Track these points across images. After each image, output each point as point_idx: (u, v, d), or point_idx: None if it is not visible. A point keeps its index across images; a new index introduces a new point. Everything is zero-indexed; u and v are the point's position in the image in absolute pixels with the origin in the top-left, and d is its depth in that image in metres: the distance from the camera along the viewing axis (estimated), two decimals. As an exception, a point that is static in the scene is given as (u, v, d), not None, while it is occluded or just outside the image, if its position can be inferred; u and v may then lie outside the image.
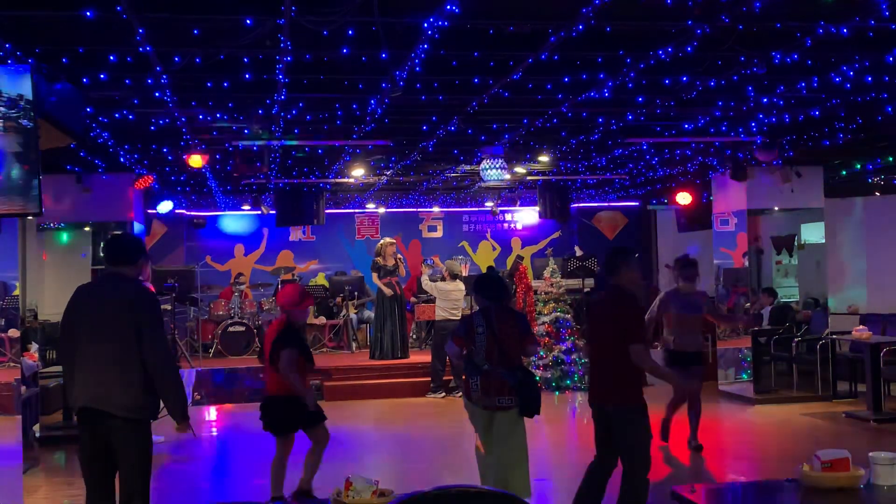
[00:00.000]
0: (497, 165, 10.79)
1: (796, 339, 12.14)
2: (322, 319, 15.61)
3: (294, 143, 9.92)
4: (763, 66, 6.79)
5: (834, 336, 11.61)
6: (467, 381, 6.42)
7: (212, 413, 12.08)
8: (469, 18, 5.63)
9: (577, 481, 5.97)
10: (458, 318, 12.78)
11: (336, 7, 5.31)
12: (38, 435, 9.55)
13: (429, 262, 15.49)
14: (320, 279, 17.61)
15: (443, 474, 8.04)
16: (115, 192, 11.33)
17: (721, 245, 13.00)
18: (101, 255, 5.28)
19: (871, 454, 3.68)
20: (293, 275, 16.94)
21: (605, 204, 18.24)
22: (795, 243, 13.55)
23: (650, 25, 6.07)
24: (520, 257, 17.13)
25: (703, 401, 12.30)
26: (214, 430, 10.74)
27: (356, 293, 15.87)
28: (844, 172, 12.64)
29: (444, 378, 12.58)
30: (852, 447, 3.96)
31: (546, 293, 13.44)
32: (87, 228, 12.00)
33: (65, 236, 12.33)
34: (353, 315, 15.44)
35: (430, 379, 12.61)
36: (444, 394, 12.46)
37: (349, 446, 9.34)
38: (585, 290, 16.04)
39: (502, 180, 11.55)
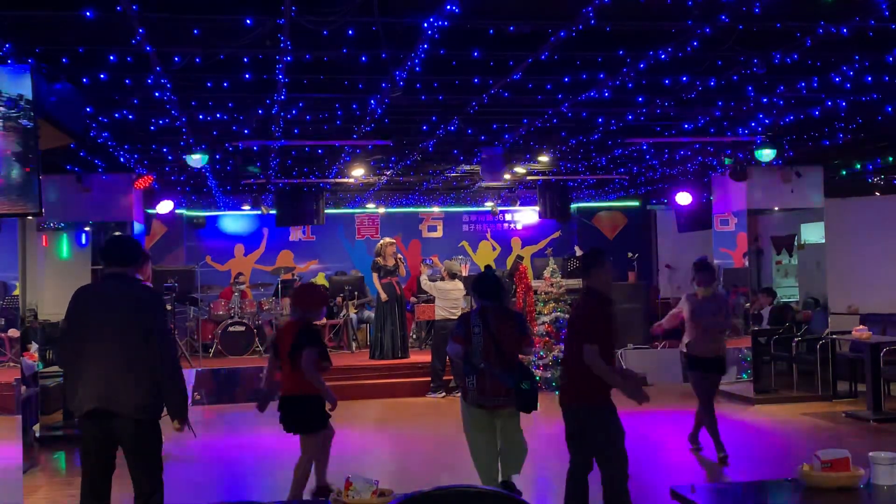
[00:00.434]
0: (497, 165, 10.78)
1: (796, 339, 12.14)
2: (322, 319, 15.60)
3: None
4: (763, 66, 6.80)
5: (834, 336, 11.61)
6: (464, 381, 6.45)
7: (212, 413, 12.07)
8: (469, 18, 5.63)
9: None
10: (457, 317, 12.79)
11: (336, 7, 5.31)
12: (38, 435, 9.55)
13: (427, 262, 15.48)
14: (320, 279, 17.60)
15: (443, 474, 8.04)
16: (115, 192, 11.32)
17: (721, 245, 13.00)
18: (101, 255, 5.19)
19: (871, 454, 3.68)
20: (293, 275, 16.94)
21: (605, 204, 18.24)
22: (795, 243, 13.55)
23: (650, 25, 6.08)
24: (520, 257, 17.12)
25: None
26: (214, 430, 10.74)
27: (356, 293, 15.87)
28: (844, 172, 12.64)
29: (444, 378, 12.58)
30: (852, 447, 3.96)
31: (546, 293, 13.44)
32: (87, 228, 12.01)
33: (65, 236, 12.33)
34: (353, 315, 15.44)
35: (430, 379, 12.61)
36: (444, 394, 12.46)
37: (350, 446, 9.34)
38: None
39: (502, 180, 11.56)
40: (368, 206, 17.61)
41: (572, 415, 5.69)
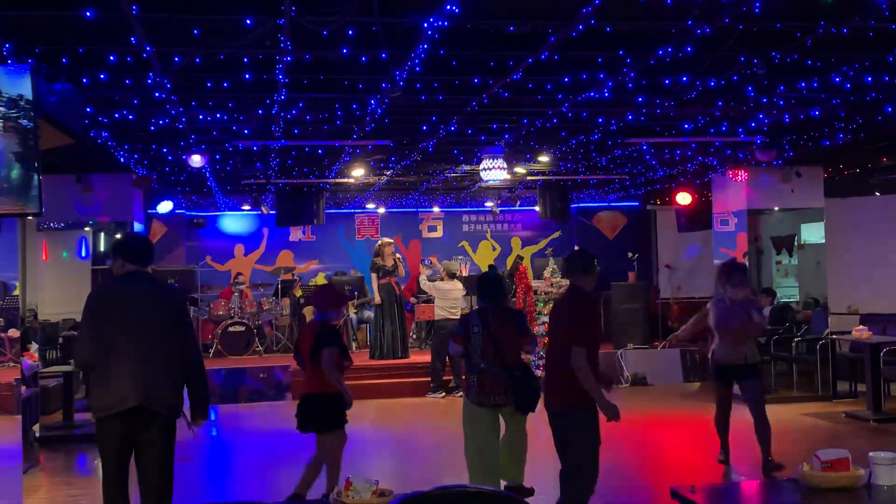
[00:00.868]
0: (497, 165, 10.79)
1: (796, 339, 12.14)
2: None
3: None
4: (763, 66, 6.80)
5: (834, 336, 11.60)
6: (466, 380, 6.50)
7: (211, 413, 12.08)
8: (469, 18, 5.63)
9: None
10: (458, 317, 12.79)
11: (336, 7, 5.31)
12: (38, 435, 9.55)
13: (426, 262, 15.48)
14: (320, 279, 17.60)
15: (443, 474, 8.04)
16: (115, 192, 11.33)
17: (721, 245, 13.00)
18: (120, 253, 5.14)
19: (871, 454, 3.68)
20: (293, 275, 16.94)
21: (605, 204, 18.24)
22: (795, 243, 13.55)
23: (650, 25, 6.08)
24: (520, 257, 17.11)
25: (702, 401, 12.36)
26: (214, 430, 10.74)
27: (356, 293, 15.87)
28: (845, 172, 12.65)
29: (444, 378, 12.58)
30: (852, 447, 3.96)
31: (546, 293, 13.44)
32: (87, 228, 12.01)
33: (65, 237, 12.34)
34: (352, 315, 15.44)
35: (430, 379, 12.61)
36: (444, 394, 12.46)
37: (349, 446, 9.34)
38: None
39: (502, 180, 11.56)
40: (368, 206, 17.61)
41: (556, 416, 5.61)
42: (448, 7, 5.21)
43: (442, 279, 13.05)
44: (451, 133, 9.46)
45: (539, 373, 12.49)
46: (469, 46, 6.33)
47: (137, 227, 11.58)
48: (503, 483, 6.68)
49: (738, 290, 7.81)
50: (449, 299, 12.68)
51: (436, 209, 18.29)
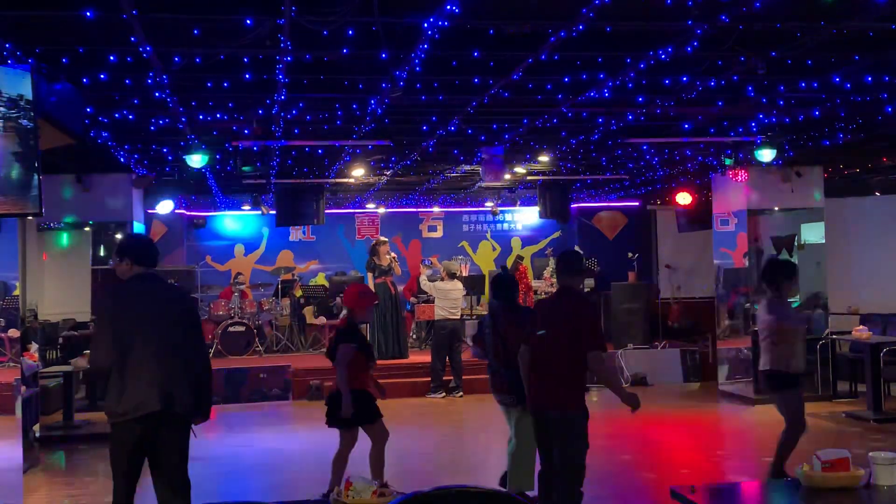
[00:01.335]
0: (497, 165, 10.78)
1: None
2: (322, 319, 15.62)
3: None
4: (763, 66, 6.79)
5: (834, 336, 11.60)
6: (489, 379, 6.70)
7: (211, 413, 12.07)
8: (469, 18, 5.63)
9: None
10: (458, 317, 12.81)
11: (336, 7, 5.31)
12: (38, 435, 9.54)
13: (426, 262, 15.48)
14: (320, 279, 17.60)
15: (443, 474, 8.04)
16: (115, 192, 11.32)
17: (721, 245, 13.00)
18: (128, 255, 5.09)
19: (871, 454, 3.69)
20: (293, 275, 16.94)
21: (605, 204, 18.23)
22: (795, 243, 13.55)
23: (650, 25, 6.08)
24: (520, 257, 17.13)
25: (702, 401, 12.38)
26: (214, 430, 10.74)
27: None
28: (845, 172, 12.64)
29: (445, 378, 12.58)
30: (852, 447, 3.96)
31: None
32: (87, 228, 12.00)
33: (65, 236, 12.32)
34: (353, 315, 15.42)
35: (430, 379, 12.61)
36: (444, 394, 12.46)
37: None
38: (586, 289, 16.03)
39: (502, 180, 11.56)
40: (368, 206, 17.60)
41: (554, 421, 5.52)
42: (448, 7, 5.20)
43: (442, 279, 13.06)
44: (451, 133, 9.46)
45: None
46: (469, 46, 6.33)
47: (137, 226, 11.57)
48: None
49: (795, 287, 7.36)
50: (449, 299, 12.68)
51: (436, 209, 18.29)
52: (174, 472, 4.91)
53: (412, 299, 15.02)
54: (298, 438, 10.38)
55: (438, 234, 18.59)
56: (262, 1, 5.41)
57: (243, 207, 16.94)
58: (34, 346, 9.98)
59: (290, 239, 17.90)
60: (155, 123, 8.77)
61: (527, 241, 18.54)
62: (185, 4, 5.49)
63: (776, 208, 12.64)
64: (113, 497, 4.92)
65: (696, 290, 15.54)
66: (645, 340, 14.34)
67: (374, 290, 13.55)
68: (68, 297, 11.78)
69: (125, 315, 4.83)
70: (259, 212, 15.92)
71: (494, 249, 18.66)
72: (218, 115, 8.60)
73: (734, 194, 12.36)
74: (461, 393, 12.47)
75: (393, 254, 14.11)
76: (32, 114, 5.35)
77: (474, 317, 14.90)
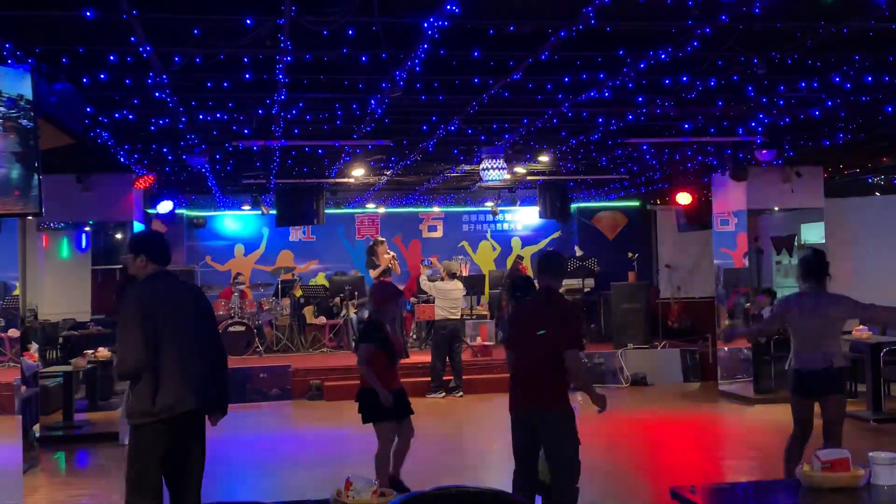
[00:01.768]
0: (497, 165, 10.79)
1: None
2: (322, 319, 15.62)
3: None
4: (763, 66, 6.79)
5: (834, 336, 11.57)
6: None
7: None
8: (469, 18, 5.62)
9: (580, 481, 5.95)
10: (458, 317, 12.81)
11: (336, 7, 5.31)
12: (38, 435, 9.55)
13: (427, 262, 15.48)
14: (320, 279, 17.61)
15: (443, 474, 8.04)
16: (115, 192, 11.32)
17: (721, 245, 13.00)
18: (145, 252, 5.04)
19: (871, 454, 3.69)
20: (293, 275, 16.94)
21: (606, 204, 18.24)
22: (795, 243, 13.55)
23: (650, 25, 6.07)
24: (520, 257, 17.14)
25: (702, 401, 12.38)
26: (214, 429, 10.74)
27: (356, 293, 15.87)
28: (845, 172, 12.64)
29: (445, 378, 12.59)
30: (852, 447, 3.96)
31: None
32: (87, 228, 12.00)
33: (65, 236, 12.33)
34: (352, 315, 15.45)
35: (430, 379, 12.61)
36: (444, 394, 12.46)
37: (349, 446, 9.35)
38: (585, 289, 16.04)
39: (502, 180, 11.55)
40: (368, 206, 17.61)
41: (532, 422, 5.48)
42: (448, 7, 5.20)
43: (442, 279, 13.06)
44: (451, 133, 9.46)
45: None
46: (469, 46, 6.33)
47: (137, 227, 11.58)
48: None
49: (814, 283, 6.61)
50: (449, 299, 12.68)
51: (436, 209, 18.29)
52: (199, 472, 4.89)
53: (412, 299, 15.02)
54: (298, 438, 10.38)
55: (438, 234, 18.59)
56: (262, 1, 5.41)
57: (243, 207, 16.95)
58: (34, 346, 9.99)
59: (290, 239, 17.90)
60: (155, 123, 8.77)
61: (527, 241, 18.54)
62: (185, 4, 5.49)
63: (776, 208, 12.64)
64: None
65: (697, 290, 15.54)
66: (645, 340, 14.34)
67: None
68: (68, 297, 11.79)
69: (153, 314, 4.76)
70: (259, 212, 15.93)
71: (494, 249, 18.66)
72: (218, 115, 8.60)
73: (734, 194, 12.36)
74: (461, 393, 12.48)
75: (392, 253, 14.11)
76: (32, 114, 5.34)
77: (474, 317, 14.91)
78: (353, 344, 15.01)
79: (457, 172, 13.12)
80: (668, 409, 11.39)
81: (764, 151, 10.31)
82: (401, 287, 14.60)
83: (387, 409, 6.84)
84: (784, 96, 8.17)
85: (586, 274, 15.89)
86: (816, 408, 6.51)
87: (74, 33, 5.88)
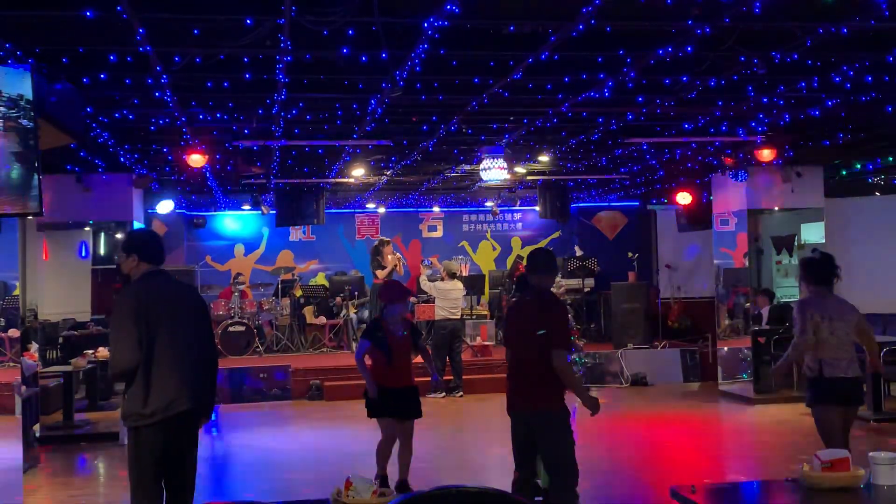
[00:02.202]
0: (497, 165, 10.78)
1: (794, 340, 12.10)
2: (322, 319, 15.62)
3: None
4: (763, 66, 6.79)
5: (834, 336, 11.55)
6: None
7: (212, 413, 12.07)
8: (469, 18, 5.63)
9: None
10: (458, 317, 12.81)
11: (336, 7, 5.31)
12: (38, 435, 9.55)
13: (427, 262, 15.47)
14: (320, 279, 17.61)
15: (443, 474, 8.04)
16: (115, 192, 11.31)
17: (721, 245, 13.00)
18: (137, 252, 5.03)
19: (871, 454, 3.69)
20: (293, 275, 16.94)
21: (606, 204, 18.23)
22: (795, 243, 13.55)
23: (650, 25, 6.07)
24: (520, 257, 17.13)
25: (702, 401, 12.38)
26: (214, 430, 10.74)
27: (356, 293, 15.88)
28: (844, 172, 12.64)
29: (445, 378, 12.58)
30: (852, 447, 3.96)
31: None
32: (87, 228, 11.99)
33: (65, 236, 12.32)
34: (353, 315, 15.45)
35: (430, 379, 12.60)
36: (444, 394, 12.45)
37: (349, 446, 9.35)
38: (585, 289, 16.05)
39: (502, 180, 11.56)
40: (368, 206, 17.61)
41: (528, 423, 5.43)
42: (448, 7, 5.21)
43: (442, 279, 13.06)
44: (451, 133, 9.46)
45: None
46: (469, 46, 6.33)
47: (137, 226, 11.58)
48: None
49: (823, 286, 6.27)
50: (449, 299, 12.68)
51: (436, 209, 18.30)
52: (192, 472, 4.88)
53: (412, 299, 15.02)
54: (298, 438, 10.38)
55: (438, 234, 18.59)
56: (262, 1, 5.41)
57: (243, 207, 16.95)
58: (34, 346, 9.98)
59: (290, 239, 17.91)
60: (155, 123, 8.77)
61: (527, 241, 18.55)
62: (185, 4, 5.49)
63: (776, 208, 12.64)
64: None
65: (697, 290, 15.53)
66: (645, 340, 14.34)
67: (375, 289, 13.57)
68: (68, 297, 11.79)
69: (146, 314, 4.73)
70: (259, 212, 15.93)
71: (494, 249, 18.67)
72: (218, 115, 8.60)
73: (734, 194, 12.36)
74: (461, 393, 12.48)
75: (398, 254, 14.11)
76: (32, 114, 5.34)
77: (474, 317, 14.91)
78: (353, 344, 15.09)
79: (457, 172, 13.12)
80: (668, 409, 11.39)
81: (764, 151, 10.31)
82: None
83: (385, 406, 6.91)
84: (784, 96, 8.17)
85: (586, 274, 15.89)
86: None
87: (74, 33, 5.87)
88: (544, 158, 11.94)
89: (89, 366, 10.43)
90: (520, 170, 12.87)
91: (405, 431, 7.07)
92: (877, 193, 13.65)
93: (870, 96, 8.08)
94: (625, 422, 10.20)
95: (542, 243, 18.36)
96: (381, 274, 13.72)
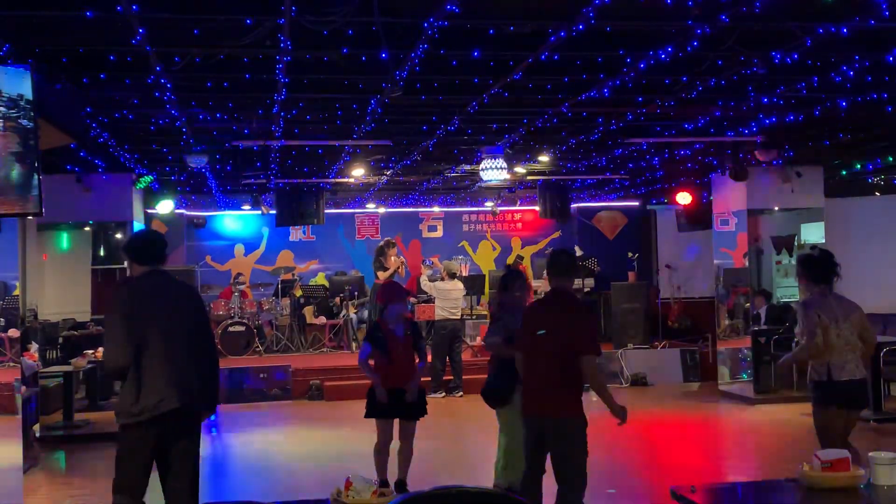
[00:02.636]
0: (497, 165, 10.78)
1: (796, 339, 12.11)
2: (322, 319, 15.62)
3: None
4: (763, 66, 6.80)
5: (834, 336, 11.55)
6: None
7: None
8: (469, 18, 5.63)
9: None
10: (458, 317, 12.81)
11: (336, 7, 5.31)
12: (38, 435, 9.56)
13: (428, 262, 15.47)
14: (320, 279, 17.60)
15: (443, 474, 8.04)
16: (115, 192, 11.31)
17: (721, 245, 13.00)
18: (128, 255, 5.09)
19: (871, 454, 3.69)
20: (293, 275, 16.94)
21: (605, 204, 18.24)
22: (795, 243, 13.55)
23: (650, 25, 6.08)
24: (520, 257, 17.13)
25: (702, 401, 12.37)
26: (214, 430, 10.74)
27: (356, 293, 15.87)
28: (844, 172, 12.64)
29: (445, 378, 12.58)
30: (852, 447, 3.96)
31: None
32: (87, 228, 11.99)
33: (65, 236, 12.32)
34: (353, 315, 15.44)
35: (429, 379, 12.60)
36: (444, 394, 12.45)
37: (349, 446, 9.35)
38: (585, 289, 16.04)
39: (502, 180, 11.55)
40: (368, 206, 17.61)
41: (540, 427, 5.29)
42: (448, 7, 5.21)
43: (442, 279, 13.06)
44: (451, 133, 9.46)
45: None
46: (469, 46, 6.33)
47: (137, 227, 11.57)
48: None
49: (823, 285, 6.12)
50: (449, 299, 12.68)
51: (436, 209, 18.29)
52: (191, 471, 4.86)
53: (412, 299, 15.02)
54: (298, 438, 10.38)
55: (438, 233, 18.59)
56: (261, 1, 5.41)
57: (243, 207, 16.95)
58: (34, 346, 9.99)
59: (290, 239, 17.90)
60: (155, 123, 8.77)
61: (527, 241, 18.55)
62: (185, 4, 5.49)
63: (776, 208, 12.64)
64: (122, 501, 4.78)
65: (697, 290, 15.54)
66: (645, 340, 14.33)
67: (375, 290, 13.57)
68: (68, 297, 11.78)
69: (137, 313, 4.77)
70: (259, 212, 15.93)
71: (494, 249, 18.66)
72: (218, 115, 8.60)
73: (734, 194, 12.36)
74: (461, 392, 12.47)
75: (402, 258, 14.10)
76: (32, 114, 5.34)
77: (474, 317, 14.90)
78: (353, 344, 15.10)
79: (457, 172, 13.12)
80: (668, 409, 11.39)
81: (764, 151, 10.31)
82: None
83: (380, 406, 6.92)
84: (784, 96, 8.17)
85: (586, 274, 15.88)
86: None
87: (74, 33, 5.88)
88: (544, 158, 11.94)
89: (89, 366, 10.43)
90: (520, 170, 12.87)
91: (407, 431, 7.07)
92: (877, 193, 13.65)
93: (870, 96, 8.09)
94: (625, 422, 10.17)
95: (542, 243, 18.37)
96: (382, 275, 13.72)
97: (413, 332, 7.26)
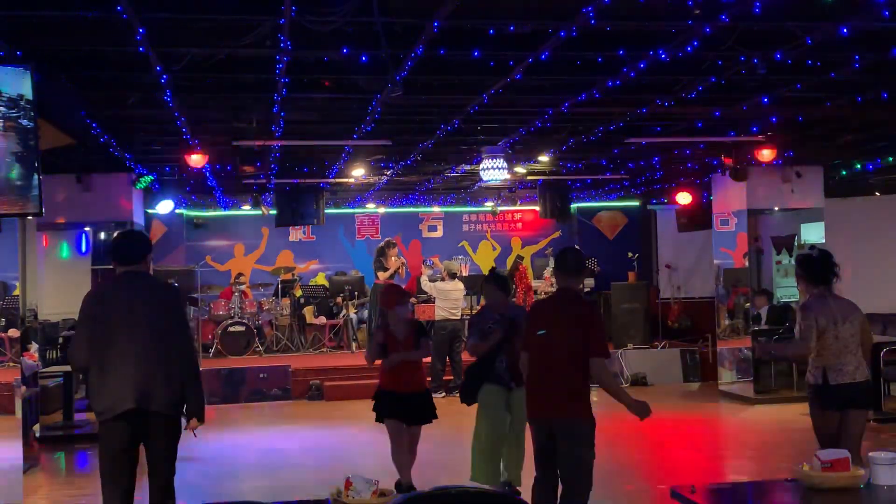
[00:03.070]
0: (497, 165, 10.78)
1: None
2: (322, 319, 15.61)
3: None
4: (763, 66, 6.79)
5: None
6: None
7: (211, 413, 12.07)
8: (469, 18, 5.63)
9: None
10: (458, 317, 12.80)
11: (336, 7, 5.31)
12: (38, 435, 9.56)
13: (428, 262, 15.46)
14: (320, 279, 17.59)
15: (443, 474, 8.04)
16: (115, 192, 11.31)
17: (721, 245, 13.00)
18: (113, 255, 5.12)
19: (871, 454, 3.69)
20: (293, 275, 16.93)
21: (605, 204, 18.23)
22: (795, 243, 13.56)
23: (650, 25, 6.08)
24: (520, 257, 17.11)
25: (702, 401, 12.38)
26: (214, 430, 10.74)
27: (356, 293, 15.86)
28: (844, 172, 12.64)
29: (445, 378, 12.58)
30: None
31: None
32: (87, 228, 11.99)
33: (65, 237, 12.32)
34: (352, 315, 15.44)
35: (430, 379, 12.60)
36: (444, 393, 12.45)
37: (349, 446, 9.35)
38: (585, 289, 16.03)
39: (502, 180, 11.55)
40: (368, 206, 17.61)
41: (548, 428, 5.21)
42: (448, 7, 5.21)
43: (442, 279, 13.05)
44: (451, 133, 9.46)
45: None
46: (469, 46, 6.33)
47: (137, 227, 11.58)
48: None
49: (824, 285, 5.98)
50: (450, 300, 12.68)
51: (436, 209, 18.29)
52: (160, 470, 4.89)
53: (412, 299, 15.01)
54: (298, 438, 10.38)
55: (438, 234, 18.58)
56: (261, 1, 5.41)
57: (243, 207, 16.94)
58: (34, 346, 9.99)
59: (290, 239, 17.88)
60: (155, 123, 8.77)
61: (527, 241, 18.54)
62: (185, 4, 5.50)
63: (776, 208, 12.64)
64: (103, 495, 4.86)
65: (697, 290, 15.54)
66: (645, 340, 14.34)
67: (375, 290, 13.57)
68: (68, 297, 11.77)
69: (104, 314, 4.81)
70: (259, 212, 15.93)
71: (494, 249, 18.65)
72: (218, 115, 8.60)
73: (734, 194, 12.36)
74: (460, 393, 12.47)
75: (402, 258, 14.10)
76: (32, 114, 5.35)
77: (475, 317, 14.89)
78: (353, 344, 15.10)
79: (457, 172, 13.12)
80: (668, 409, 11.38)
81: (764, 151, 10.31)
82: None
83: (388, 407, 6.98)
84: (784, 96, 8.17)
85: (586, 274, 15.88)
86: None
87: (74, 33, 5.88)
88: (544, 158, 11.94)
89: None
90: (520, 170, 12.87)
91: (411, 435, 7.14)
92: (877, 193, 13.65)
93: (870, 96, 8.09)
94: (625, 422, 10.18)
95: (542, 243, 18.36)
96: (382, 276, 13.71)
97: (417, 331, 7.28)
